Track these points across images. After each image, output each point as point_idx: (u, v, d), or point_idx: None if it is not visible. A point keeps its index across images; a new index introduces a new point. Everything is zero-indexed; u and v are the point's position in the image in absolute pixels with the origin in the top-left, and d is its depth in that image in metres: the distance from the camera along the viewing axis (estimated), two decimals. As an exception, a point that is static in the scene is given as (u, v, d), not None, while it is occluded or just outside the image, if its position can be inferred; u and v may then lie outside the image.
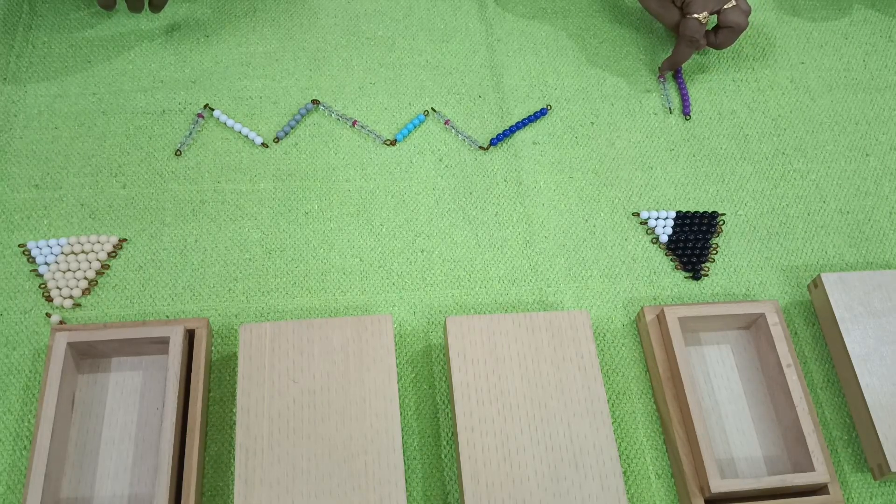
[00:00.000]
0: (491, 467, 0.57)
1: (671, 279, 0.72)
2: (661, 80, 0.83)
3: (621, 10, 0.88)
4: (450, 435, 0.63)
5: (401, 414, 0.63)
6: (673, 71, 0.82)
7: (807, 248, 0.74)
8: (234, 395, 0.64)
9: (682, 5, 0.77)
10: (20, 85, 0.78)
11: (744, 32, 0.79)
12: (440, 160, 0.77)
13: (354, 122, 0.78)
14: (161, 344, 0.62)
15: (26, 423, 0.62)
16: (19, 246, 0.69)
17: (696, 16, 0.74)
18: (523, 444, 0.58)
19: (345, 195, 0.74)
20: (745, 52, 0.86)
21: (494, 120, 0.80)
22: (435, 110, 0.80)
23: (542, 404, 0.60)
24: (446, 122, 0.79)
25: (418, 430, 0.63)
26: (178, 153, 0.75)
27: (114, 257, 0.70)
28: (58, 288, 0.67)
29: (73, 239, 0.69)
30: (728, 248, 0.74)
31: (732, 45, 0.85)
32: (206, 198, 0.73)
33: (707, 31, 0.80)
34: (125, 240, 0.70)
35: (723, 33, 0.80)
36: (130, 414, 0.61)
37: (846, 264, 0.73)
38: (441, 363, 0.66)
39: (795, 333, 0.69)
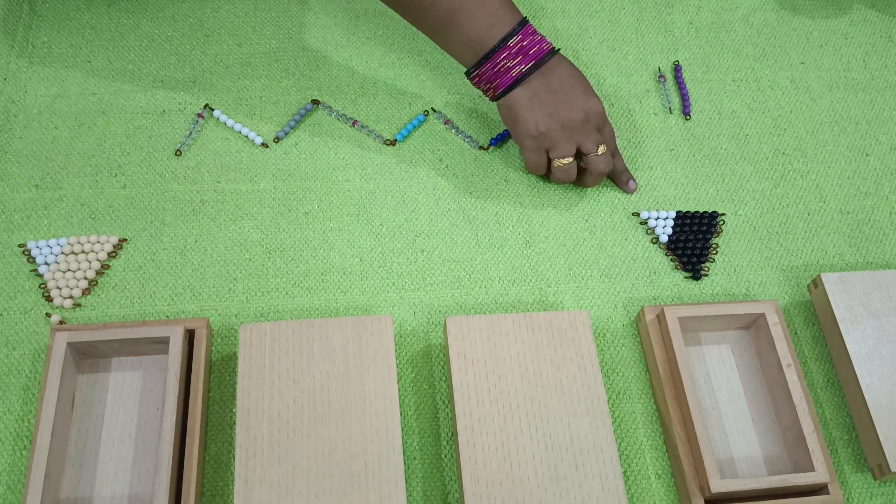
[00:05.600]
0: (491, 467, 0.57)
1: (671, 279, 0.72)
2: (661, 79, 0.83)
3: (620, 11, 0.88)
4: (450, 435, 0.63)
5: (401, 414, 0.63)
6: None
7: (807, 248, 0.74)
8: (234, 395, 0.64)
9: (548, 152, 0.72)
10: (20, 85, 0.78)
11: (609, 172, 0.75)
12: (440, 160, 0.77)
13: (354, 122, 0.78)
14: (161, 344, 0.62)
15: (26, 423, 0.62)
16: (19, 246, 0.69)
17: (558, 163, 0.72)
18: (523, 444, 0.58)
19: (345, 195, 0.74)
20: (745, 51, 0.86)
21: (494, 120, 0.80)
22: (435, 110, 0.80)
23: (542, 404, 0.60)
24: (446, 122, 0.79)
25: (418, 430, 0.63)
26: (178, 153, 0.75)
27: (114, 257, 0.70)
28: (58, 288, 0.67)
29: (73, 239, 0.69)
30: (728, 248, 0.74)
31: (734, 45, 0.85)
32: (206, 198, 0.73)
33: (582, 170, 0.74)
34: (125, 240, 0.70)
35: (589, 176, 0.74)
36: (130, 414, 0.61)
37: (846, 264, 0.73)
38: (441, 363, 0.66)
39: (795, 333, 0.69)
